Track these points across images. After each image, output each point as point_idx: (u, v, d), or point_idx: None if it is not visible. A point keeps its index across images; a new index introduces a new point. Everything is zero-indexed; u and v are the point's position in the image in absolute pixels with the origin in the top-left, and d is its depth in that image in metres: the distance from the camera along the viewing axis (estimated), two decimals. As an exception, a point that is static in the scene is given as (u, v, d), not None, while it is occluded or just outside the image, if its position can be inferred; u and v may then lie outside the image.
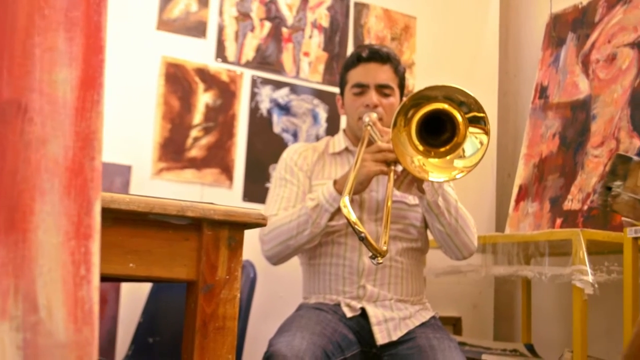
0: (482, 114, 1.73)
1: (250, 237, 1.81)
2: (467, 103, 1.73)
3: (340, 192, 1.97)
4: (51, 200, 0.55)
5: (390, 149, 1.91)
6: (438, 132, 1.80)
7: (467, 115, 1.74)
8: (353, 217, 1.55)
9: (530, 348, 2.76)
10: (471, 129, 1.75)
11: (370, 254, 1.55)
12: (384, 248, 1.57)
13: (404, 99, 1.77)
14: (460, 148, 1.77)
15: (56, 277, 0.53)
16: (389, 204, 1.77)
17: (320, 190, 2.04)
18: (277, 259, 2.13)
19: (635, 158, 0.83)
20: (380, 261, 1.55)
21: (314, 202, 2.02)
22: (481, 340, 2.94)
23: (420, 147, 1.79)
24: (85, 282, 0.55)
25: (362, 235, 1.51)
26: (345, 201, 1.58)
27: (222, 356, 1.16)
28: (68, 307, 0.54)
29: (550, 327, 2.95)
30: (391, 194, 1.82)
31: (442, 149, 1.79)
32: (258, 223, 1.20)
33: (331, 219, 2.03)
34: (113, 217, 1.10)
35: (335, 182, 2.02)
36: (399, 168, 1.95)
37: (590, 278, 2.09)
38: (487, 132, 1.74)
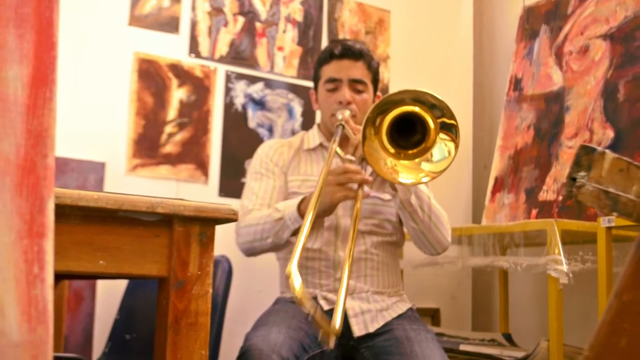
0: (452, 121, 1.70)
1: (226, 232, 1.81)
2: (438, 106, 1.71)
3: (303, 216, 1.92)
4: (3, 198, 0.54)
5: (357, 170, 1.90)
6: (410, 134, 1.78)
7: (438, 120, 1.72)
8: (297, 289, 1.25)
9: (508, 337, 2.77)
10: (441, 135, 1.73)
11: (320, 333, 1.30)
12: (337, 326, 1.31)
13: (370, 109, 1.73)
14: (428, 152, 1.75)
15: (9, 277, 0.53)
16: (352, 249, 1.61)
17: (287, 204, 2.02)
18: (247, 253, 2.15)
19: (599, 149, 0.83)
20: (332, 346, 1.32)
21: (279, 215, 2.00)
22: (459, 330, 2.95)
23: (392, 150, 1.77)
24: (38, 281, 0.54)
25: (310, 315, 1.26)
26: (291, 268, 1.28)
27: (195, 352, 1.16)
28: (21, 306, 0.53)
29: (527, 316, 2.97)
30: (355, 233, 1.70)
31: (411, 152, 1.77)
32: (229, 218, 1.20)
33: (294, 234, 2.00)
34: (82, 215, 1.09)
35: (302, 201, 1.99)
36: (366, 189, 1.97)
37: (564, 268, 2.11)
38: (456, 143, 1.71)
